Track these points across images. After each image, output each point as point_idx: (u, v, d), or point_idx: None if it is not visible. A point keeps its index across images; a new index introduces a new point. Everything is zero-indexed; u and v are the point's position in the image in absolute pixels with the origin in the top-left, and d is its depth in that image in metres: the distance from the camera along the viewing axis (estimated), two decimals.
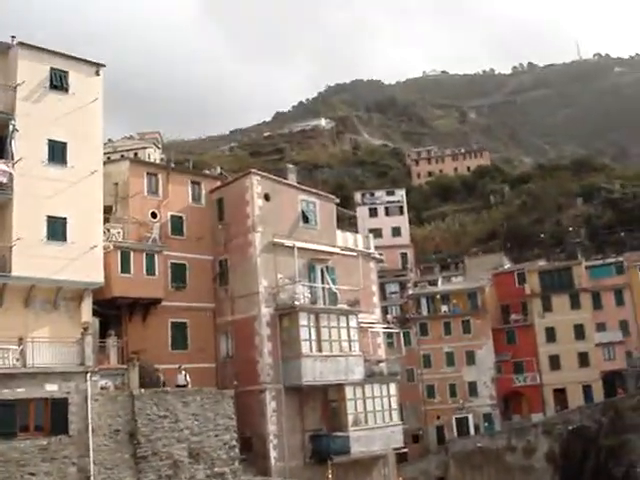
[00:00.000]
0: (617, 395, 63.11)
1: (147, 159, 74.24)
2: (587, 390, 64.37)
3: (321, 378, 32.93)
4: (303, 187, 38.18)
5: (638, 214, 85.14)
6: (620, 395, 63.01)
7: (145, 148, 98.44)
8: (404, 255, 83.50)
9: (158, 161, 79.13)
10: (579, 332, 65.31)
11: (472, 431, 64.00)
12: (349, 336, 34.37)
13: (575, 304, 66.25)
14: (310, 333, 33.18)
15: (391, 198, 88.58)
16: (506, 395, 66.19)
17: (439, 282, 74.12)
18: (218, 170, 63.80)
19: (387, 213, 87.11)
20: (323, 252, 36.51)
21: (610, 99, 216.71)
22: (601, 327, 65.92)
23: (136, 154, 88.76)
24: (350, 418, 33.60)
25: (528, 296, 67.44)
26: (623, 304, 66.60)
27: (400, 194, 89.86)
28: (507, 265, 76.67)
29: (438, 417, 64.88)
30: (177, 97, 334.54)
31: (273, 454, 31.58)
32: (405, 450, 41.79)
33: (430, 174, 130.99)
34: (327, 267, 36.43)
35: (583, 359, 64.93)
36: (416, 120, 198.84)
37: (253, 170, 36.21)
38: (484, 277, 70.62)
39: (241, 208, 34.93)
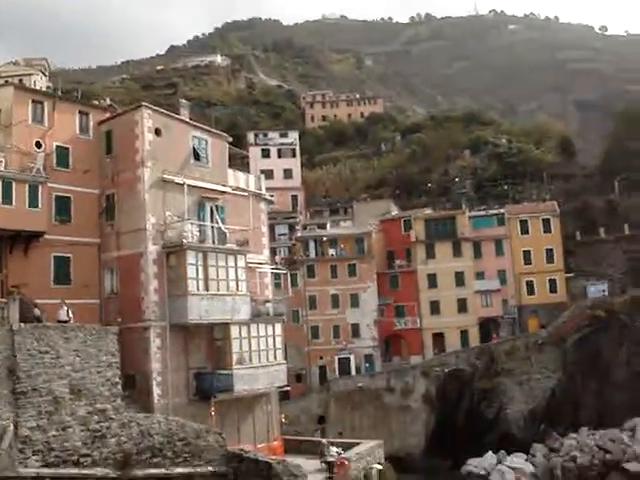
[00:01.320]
0: (492, 341, 66.38)
1: (33, 86, 70.92)
2: (464, 335, 67.31)
3: (207, 317, 32.96)
4: (195, 123, 37.48)
5: (522, 168, 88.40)
6: (495, 340, 66.31)
7: (31, 75, 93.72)
8: (295, 198, 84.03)
9: (45, 89, 75.63)
10: (459, 279, 67.93)
11: (353, 371, 65.95)
12: (237, 276, 34.43)
13: (457, 252, 68.71)
14: (197, 272, 33.01)
15: (284, 140, 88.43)
16: (387, 337, 68.40)
17: (328, 226, 75.13)
18: (108, 102, 61.80)
19: (280, 155, 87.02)
20: (213, 191, 36.18)
21: (503, 56, 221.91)
22: (480, 275, 68.80)
23: (21, 80, 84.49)
24: (235, 357, 33.90)
25: (413, 243, 69.36)
26: (502, 254, 69.62)
27: (293, 136, 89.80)
28: (395, 212, 78.36)
29: (321, 357, 66.40)
30: (64, 24, 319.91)
31: (156, 391, 31.53)
32: (288, 389, 42.56)
33: (324, 118, 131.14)
34: (217, 206, 36.20)
35: (462, 305, 67.67)
36: (313, 63, 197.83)
37: (144, 103, 35.21)
38: (372, 223, 72.06)
39: (130, 142, 34.02)
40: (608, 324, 63.74)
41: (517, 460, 57.74)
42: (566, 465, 56.04)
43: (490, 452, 58.83)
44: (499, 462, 57.87)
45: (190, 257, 32.74)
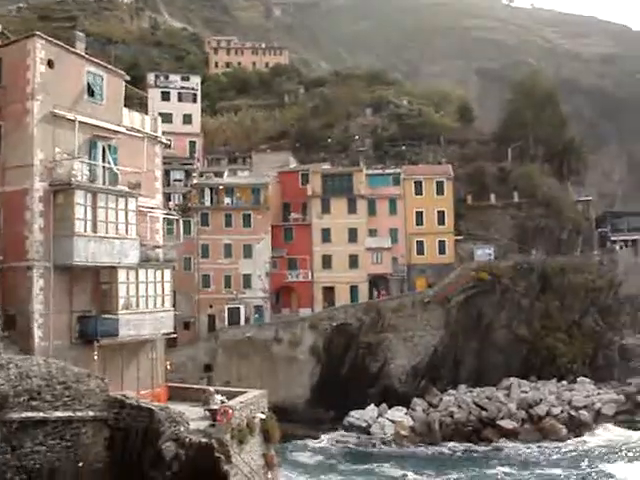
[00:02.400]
0: (380, 297, 67.81)
1: None
2: (354, 290, 68.43)
3: (94, 259, 32.00)
4: (91, 58, 35.87)
5: (420, 131, 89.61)
6: (383, 297, 67.76)
7: None
8: (193, 144, 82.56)
9: None
10: (352, 235, 68.82)
11: (243, 321, 66.14)
12: (126, 219, 33.47)
13: (352, 209, 69.50)
14: (86, 212, 31.88)
15: (186, 84, 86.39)
16: (278, 289, 68.78)
17: (225, 174, 74.36)
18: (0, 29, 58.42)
19: (180, 99, 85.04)
20: (107, 129, 34.87)
21: (410, 18, 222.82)
22: (373, 233, 69.88)
23: None
24: (121, 301, 33.18)
25: (309, 197, 69.63)
26: (395, 213, 70.84)
27: (195, 81, 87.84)
28: (293, 165, 78.26)
29: (211, 306, 66.20)
30: None
31: (38, 333, 30.53)
32: (175, 336, 42.18)
33: (228, 65, 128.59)
34: (110, 146, 34.94)
35: (353, 261, 68.66)
36: (220, 8, 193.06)
37: (38, 33, 33.42)
38: (270, 174, 71.73)
39: (21, 72, 32.21)
40: (492, 287, 66.25)
41: (397, 413, 59.75)
42: (444, 420, 58.37)
43: (372, 405, 60.61)
44: (380, 415, 59.72)
45: (79, 197, 31.57)
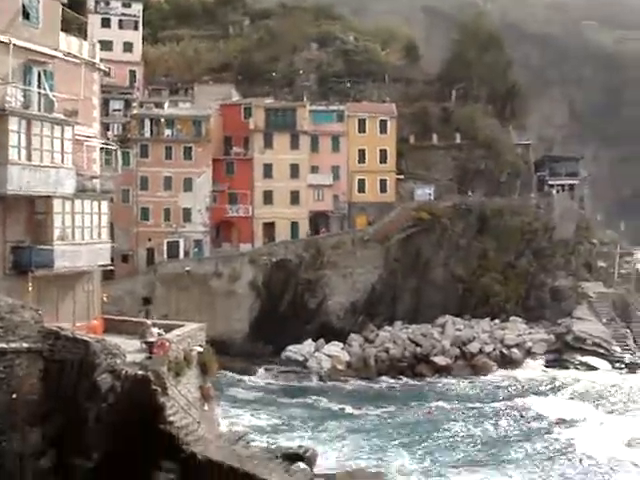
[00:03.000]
0: (320, 234, 68.07)
1: None
2: (294, 227, 68.51)
3: (28, 188, 31.10)
4: None
5: (366, 68, 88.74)
6: (323, 234, 68.04)
7: None
8: (133, 73, 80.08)
9: None
10: (294, 171, 68.55)
11: (182, 255, 65.72)
12: (62, 147, 32.47)
13: (294, 145, 69.05)
14: (20, 140, 30.81)
15: (127, 11, 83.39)
16: (218, 224, 68.42)
17: (166, 105, 72.70)
18: None
19: (121, 26, 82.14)
20: (43, 54, 33.49)
21: None
22: (315, 169, 69.70)
23: None
24: (56, 232, 32.45)
25: (251, 131, 68.86)
26: (338, 151, 70.70)
27: (137, 8, 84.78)
28: (236, 98, 76.94)
29: (150, 239, 65.54)
30: None
31: None
32: (112, 269, 41.72)
33: None
34: (45, 71, 33.65)
35: (294, 197, 68.58)
36: None
37: None
38: (212, 106, 70.49)
39: None
40: (431, 227, 67.12)
41: (334, 348, 60.75)
42: (379, 355, 59.59)
43: (310, 340, 61.40)
44: (317, 350, 60.64)
45: (12, 123, 30.46)
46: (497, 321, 65.78)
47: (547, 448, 40.32)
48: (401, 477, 33.50)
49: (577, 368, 59.03)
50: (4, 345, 25.03)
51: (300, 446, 32.43)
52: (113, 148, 43.54)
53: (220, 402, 41.12)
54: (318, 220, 69.89)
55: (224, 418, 39.70)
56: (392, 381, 56.93)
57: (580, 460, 38.00)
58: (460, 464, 37.64)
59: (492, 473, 36.30)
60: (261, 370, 58.04)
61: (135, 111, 69.11)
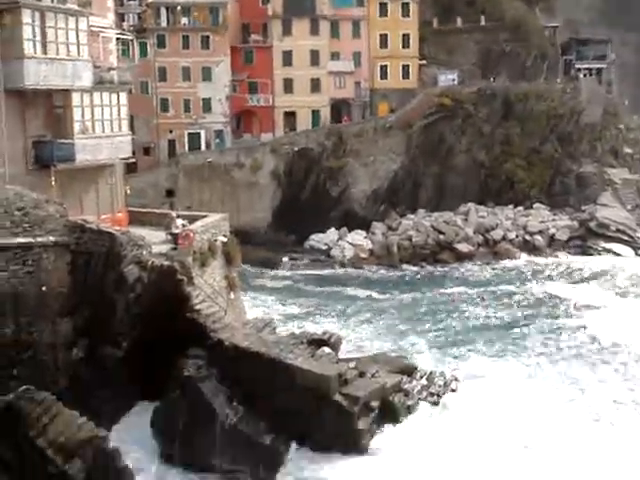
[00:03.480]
0: (342, 122, 67.34)
1: None
2: (315, 115, 67.67)
3: (45, 82, 30.86)
4: None
5: None
6: (345, 122, 67.32)
7: None
8: None
9: None
10: (314, 58, 67.10)
11: (203, 147, 65.47)
12: (78, 39, 31.92)
13: (314, 30, 67.29)
14: (34, 33, 30.36)
15: None
16: (239, 114, 67.78)
17: None
18: None
19: None
20: None
21: None
22: (336, 56, 68.12)
23: None
24: (76, 126, 32.43)
25: (270, 17, 67.05)
26: (359, 36, 68.89)
27: None
28: None
29: (171, 131, 65.17)
30: None
31: None
32: (134, 161, 41.80)
33: None
34: None
35: (315, 85, 67.44)
36: None
37: None
38: None
39: None
40: (454, 113, 66.03)
41: (357, 237, 61.19)
42: (402, 243, 59.97)
43: (333, 229, 61.81)
44: (340, 238, 61.10)
45: (26, 16, 29.94)
46: (521, 208, 65.54)
47: (568, 334, 40.48)
48: (422, 360, 34.16)
49: (600, 254, 59.14)
50: (31, 239, 25.50)
51: (325, 331, 33.03)
52: (129, 38, 42.92)
53: (246, 292, 41.95)
54: (340, 108, 68.90)
55: (250, 307, 40.56)
56: (414, 268, 57.52)
57: (603, 347, 37.94)
58: (480, 348, 38.19)
59: (512, 357, 36.74)
60: (285, 259, 58.67)
61: (150, 0, 67.37)
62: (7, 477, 18.34)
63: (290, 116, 67.76)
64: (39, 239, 25.67)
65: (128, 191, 38.64)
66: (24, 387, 19.47)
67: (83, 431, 19.14)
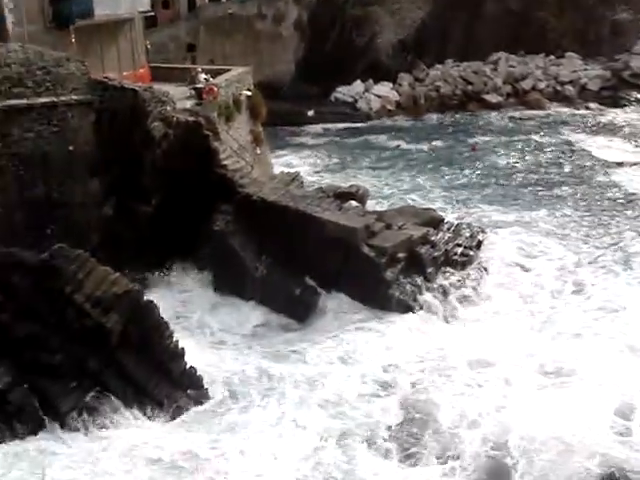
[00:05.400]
0: None
1: None
2: None
3: None
4: None
5: None
6: None
7: None
8: None
9: None
10: None
11: None
12: None
13: None
14: None
15: None
16: None
17: None
18: None
19: None
20: None
21: None
22: None
23: None
24: None
25: None
26: None
27: None
28: None
29: None
30: None
31: (10, 19, 29.31)
32: (153, 14, 40.75)
33: None
34: None
35: None
36: None
37: None
38: None
39: None
40: None
41: (383, 89, 60.15)
42: (429, 94, 59.02)
43: (358, 81, 60.66)
44: (366, 90, 60.08)
45: None
46: (552, 57, 63.61)
47: (596, 187, 39.53)
48: (448, 212, 34.22)
49: (632, 105, 57.67)
50: (54, 98, 25.35)
51: (352, 185, 33.19)
52: None
53: (273, 147, 41.76)
54: None
55: (276, 162, 40.54)
56: (442, 117, 56.96)
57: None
58: (501, 200, 37.79)
59: (530, 210, 36.03)
60: (310, 112, 57.84)
61: None
62: (44, 333, 19.03)
63: None
64: (62, 98, 25.51)
65: (148, 46, 37.92)
66: (58, 245, 19.88)
67: (118, 286, 19.69)
